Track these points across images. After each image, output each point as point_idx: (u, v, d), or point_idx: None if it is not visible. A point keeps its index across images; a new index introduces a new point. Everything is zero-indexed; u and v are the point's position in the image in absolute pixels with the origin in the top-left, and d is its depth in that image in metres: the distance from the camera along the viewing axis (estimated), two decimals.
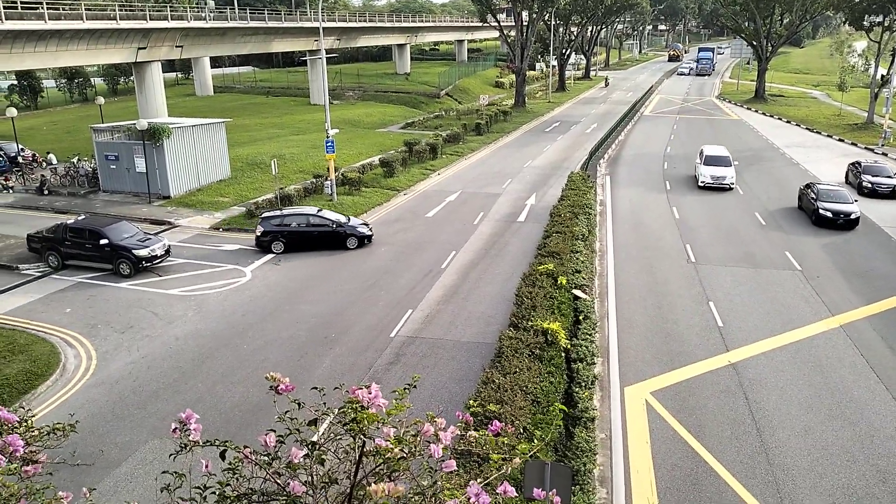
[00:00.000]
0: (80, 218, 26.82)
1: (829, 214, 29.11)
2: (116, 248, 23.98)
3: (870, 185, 34.78)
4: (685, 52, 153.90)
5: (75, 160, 38.06)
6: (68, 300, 22.28)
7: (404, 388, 3.52)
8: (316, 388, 3.56)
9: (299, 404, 3.44)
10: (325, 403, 3.42)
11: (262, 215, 27.41)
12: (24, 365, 17.56)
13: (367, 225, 28.44)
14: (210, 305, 21.65)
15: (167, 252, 25.00)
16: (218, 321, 20.47)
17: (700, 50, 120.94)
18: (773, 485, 12.85)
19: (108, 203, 33.60)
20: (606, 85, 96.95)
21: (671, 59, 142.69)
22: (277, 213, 27.52)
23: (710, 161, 37.01)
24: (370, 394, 3.29)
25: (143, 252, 23.98)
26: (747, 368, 17.19)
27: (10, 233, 28.69)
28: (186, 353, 18.40)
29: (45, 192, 35.25)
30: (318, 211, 28.20)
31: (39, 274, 24.55)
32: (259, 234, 26.49)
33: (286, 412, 3.39)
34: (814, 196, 30.33)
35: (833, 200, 29.70)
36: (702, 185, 36.09)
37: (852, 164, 37.95)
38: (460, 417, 3.70)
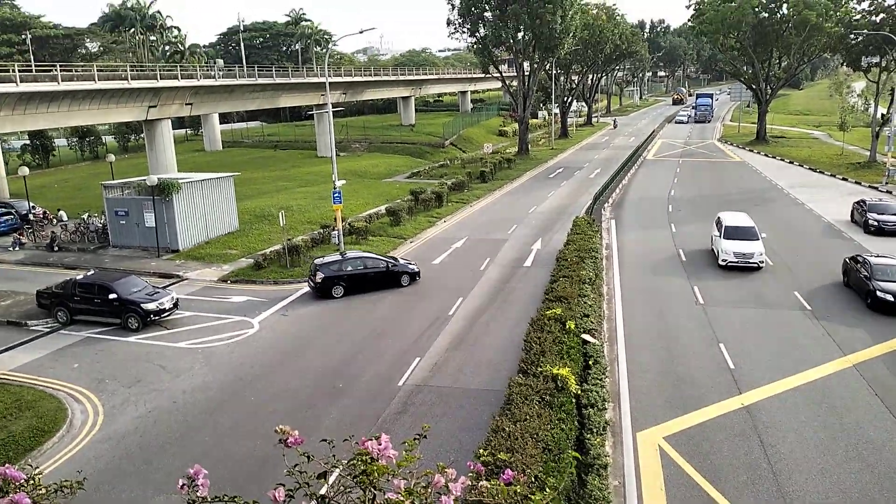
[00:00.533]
0: (89, 273, 27.03)
1: (890, 298, 23.17)
2: (125, 303, 24.09)
3: (876, 224, 34.66)
4: (689, 96, 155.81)
5: (85, 216, 38.55)
6: (76, 355, 22.28)
7: (414, 439, 3.51)
8: (325, 440, 3.56)
9: (308, 457, 3.43)
10: (334, 455, 3.41)
11: (318, 262, 27.64)
12: (30, 421, 17.49)
13: (413, 263, 29.19)
14: (218, 358, 21.61)
15: (175, 305, 25.09)
16: (226, 373, 20.39)
17: (698, 96, 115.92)
18: None
19: (118, 258, 33.88)
20: (615, 127, 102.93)
21: (675, 102, 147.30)
22: (334, 258, 28.13)
23: (732, 234, 29.69)
24: (380, 445, 3.29)
25: (151, 306, 24.08)
26: (761, 411, 16.94)
27: (19, 289, 28.90)
28: (194, 407, 18.29)
29: (56, 248, 35.61)
30: (369, 253, 29.21)
31: (48, 330, 24.63)
32: (319, 280, 26.67)
33: (295, 465, 3.38)
34: (867, 274, 24.43)
35: (893, 279, 23.81)
36: (723, 263, 28.97)
37: (857, 202, 37.79)
38: (471, 467, 3.67)
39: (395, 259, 29.28)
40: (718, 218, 32.06)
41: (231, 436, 16.67)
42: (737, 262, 28.73)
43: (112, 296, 24.12)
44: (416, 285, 28.38)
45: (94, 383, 20.00)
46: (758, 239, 29.42)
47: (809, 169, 58.68)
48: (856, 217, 37.12)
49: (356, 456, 3.31)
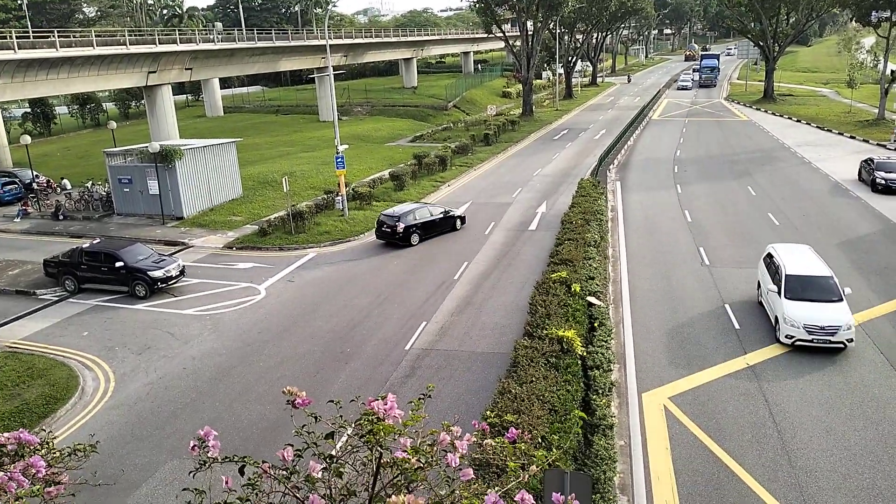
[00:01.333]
0: (95, 242, 27.10)
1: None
2: (132, 271, 24.20)
3: (883, 182, 34.45)
4: (704, 50, 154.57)
5: (89, 185, 38.51)
6: (85, 323, 22.48)
7: (419, 399, 3.54)
8: (332, 401, 3.59)
9: (316, 418, 3.47)
10: (341, 416, 3.45)
11: (386, 213, 29.91)
12: (43, 389, 17.73)
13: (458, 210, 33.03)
14: (225, 324, 21.77)
15: (182, 272, 25.20)
16: (234, 339, 20.57)
17: (702, 57, 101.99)
18: (796, 487, 12.70)
19: (123, 226, 33.94)
20: (629, 81, 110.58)
21: (688, 59, 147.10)
22: (401, 209, 30.14)
23: (798, 289, 18.67)
24: (386, 405, 3.32)
25: (158, 273, 24.19)
26: (766, 370, 17.03)
27: (26, 258, 29.05)
28: (203, 373, 18.50)
29: (61, 217, 35.67)
30: (429, 204, 32.39)
31: (56, 298, 24.81)
32: (402, 230, 28.80)
33: (303, 426, 3.42)
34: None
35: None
36: (788, 341, 17.99)
37: (865, 160, 37.48)
38: (476, 426, 3.71)
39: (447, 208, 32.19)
40: (770, 256, 20.88)
41: (241, 401, 16.88)
42: (811, 341, 17.58)
43: (119, 264, 24.22)
44: (422, 247, 28.41)
45: (105, 351, 20.22)
46: (841, 298, 18.41)
47: (817, 127, 58.01)
48: (863, 176, 36.84)
49: (363, 416, 3.34)
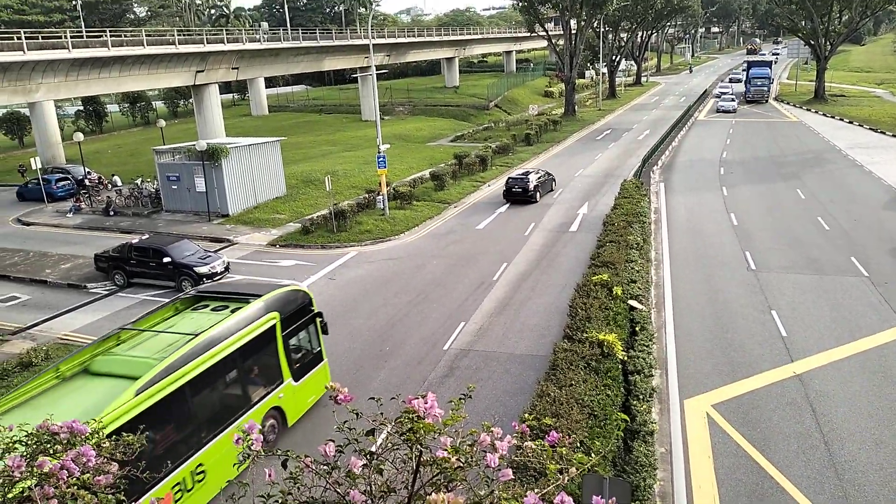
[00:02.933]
0: (143, 237, 27.82)
1: None
2: (178, 266, 24.78)
3: None
4: (776, 44, 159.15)
5: (139, 181, 39.55)
6: (134, 317, 23.03)
7: (460, 398, 3.54)
8: (373, 398, 3.62)
9: (357, 414, 3.50)
10: (382, 413, 3.47)
11: (519, 177, 36.70)
12: None
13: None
14: None
15: (226, 269, 25.71)
16: None
17: (751, 65, 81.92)
18: (843, 500, 12.33)
19: (171, 222, 34.76)
20: (691, 72, 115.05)
21: (749, 52, 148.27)
22: (523, 172, 37.93)
23: None
24: (426, 403, 3.33)
25: (203, 269, 24.72)
26: (813, 379, 16.58)
27: (78, 253, 29.97)
28: None
29: (111, 213, 36.69)
30: (533, 171, 38.34)
31: (106, 292, 25.53)
32: (531, 188, 35.71)
33: (345, 422, 3.46)
34: None
35: None
36: None
37: None
38: (515, 428, 3.69)
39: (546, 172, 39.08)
40: None
41: None
42: None
43: (166, 259, 24.83)
44: (461, 249, 28.45)
45: None
46: None
47: (870, 129, 56.20)
48: None
49: (403, 414, 3.36)
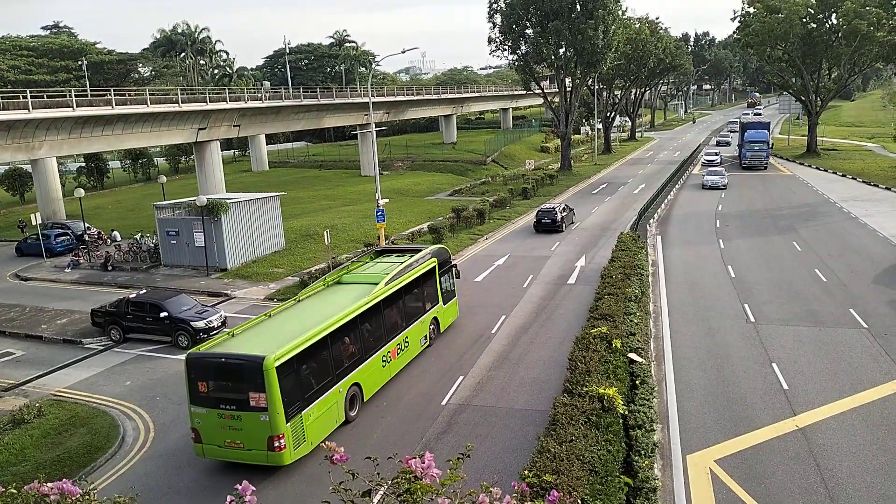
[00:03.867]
0: (141, 292, 27.79)
1: None
2: (175, 321, 24.67)
3: None
4: (760, 102, 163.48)
5: (138, 236, 39.72)
6: (128, 373, 22.85)
7: (458, 458, 3.50)
8: (370, 457, 3.57)
9: (353, 474, 3.45)
10: (378, 473, 3.42)
11: (548, 209, 43.01)
12: (85, 438, 17.96)
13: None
14: None
15: (223, 323, 25.58)
16: None
17: (746, 127, 71.84)
18: None
19: (169, 277, 34.75)
20: (693, 122, 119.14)
21: (751, 105, 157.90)
22: (551, 206, 44.83)
23: None
24: (424, 464, 3.28)
25: (200, 324, 24.61)
26: (816, 433, 16.35)
27: (75, 308, 29.87)
28: None
29: (110, 267, 36.72)
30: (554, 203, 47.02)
31: (102, 347, 25.35)
32: (559, 220, 41.85)
33: (340, 483, 3.40)
34: None
35: None
36: None
37: None
38: (515, 487, 3.64)
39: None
40: None
41: None
42: None
43: (163, 314, 24.73)
44: (459, 301, 28.42)
45: (146, 400, 20.47)
46: None
47: (863, 182, 56.92)
48: None
49: (400, 474, 3.31)
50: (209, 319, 25.00)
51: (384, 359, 20.03)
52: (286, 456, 15.35)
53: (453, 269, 25.80)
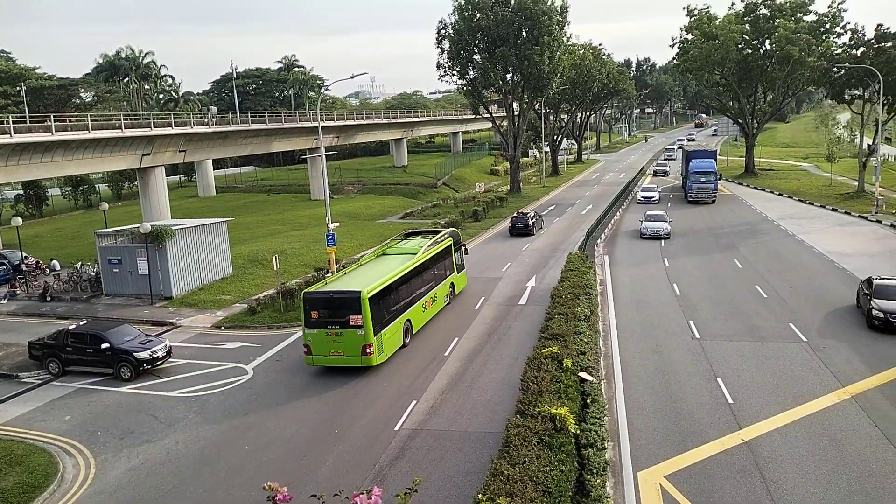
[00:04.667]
0: (81, 323, 26.85)
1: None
2: (117, 352, 23.86)
3: (882, 316, 24.32)
4: (707, 124, 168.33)
5: (78, 265, 38.45)
6: (68, 407, 21.98)
7: (406, 493, 3.47)
8: (315, 495, 3.51)
9: None
10: None
11: (521, 215, 49.26)
12: (20, 477, 17.15)
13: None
14: (212, 406, 21.34)
15: (168, 353, 24.86)
16: (220, 422, 20.12)
17: (691, 156, 64.32)
18: None
19: (111, 306, 33.69)
20: (646, 141, 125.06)
21: (697, 126, 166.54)
22: (526, 213, 50.25)
23: None
24: (370, 500, 3.24)
25: (144, 354, 23.86)
26: (761, 446, 16.76)
27: (11, 340, 28.63)
28: (187, 457, 18.00)
29: (48, 298, 35.41)
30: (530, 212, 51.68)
31: (40, 381, 24.34)
32: (531, 224, 48.31)
33: None
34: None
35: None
36: None
37: (865, 282, 27.03)
38: None
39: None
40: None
41: (225, 486, 16.36)
42: None
43: (104, 345, 23.89)
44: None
45: (86, 435, 19.70)
46: None
47: (799, 200, 59.21)
48: (861, 302, 26.85)
49: None
50: (153, 349, 24.25)
51: (423, 306, 27.44)
52: (374, 359, 22.66)
53: (463, 248, 33.89)
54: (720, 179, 64.05)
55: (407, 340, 25.43)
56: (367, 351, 22.44)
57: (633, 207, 59.76)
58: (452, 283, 31.35)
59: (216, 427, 19.74)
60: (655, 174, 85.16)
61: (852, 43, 61.14)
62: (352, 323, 22.41)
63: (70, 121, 45.89)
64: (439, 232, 32.53)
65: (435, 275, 29.18)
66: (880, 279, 26.44)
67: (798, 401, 19.20)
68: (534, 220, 49.00)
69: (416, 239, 31.55)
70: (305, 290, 23.92)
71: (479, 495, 12.10)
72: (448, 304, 30.53)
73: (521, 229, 47.70)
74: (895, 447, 16.38)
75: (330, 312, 22.89)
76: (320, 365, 23.17)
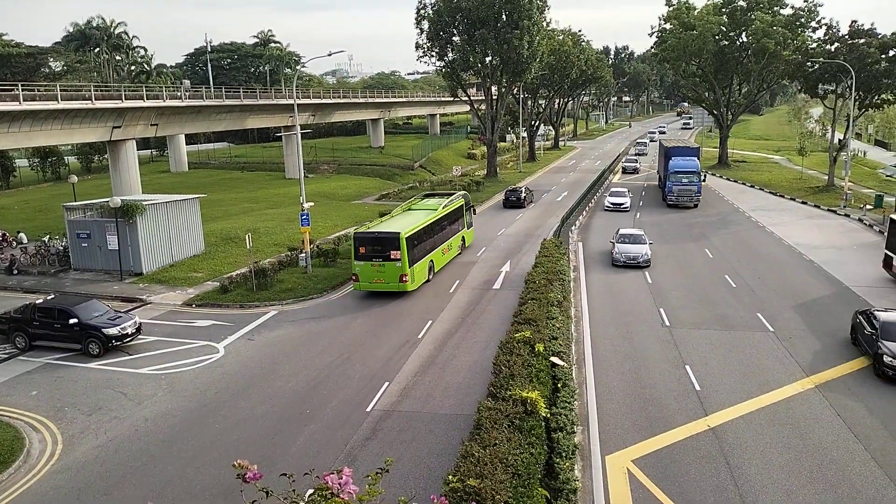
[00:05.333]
0: (49, 297, 26.37)
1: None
2: (86, 328, 23.51)
3: (894, 365, 19.79)
4: (689, 112, 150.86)
5: (46, 239, 37.69)
6: (35, 382, 21.64)
7: (377, 473, 3.47)
8: (285, 474, 3.49)
9: (267, 493, 3.37)
10: (294, 490, 3.35)
11: (515, 189, 56.01)
12: None
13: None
14: (181, 384, 21.17)
15: (138, 330, 24.56)
16: (189, 400, 19.98)
17: (670, 152, 55.92)
18: None
19: (79, 281, 33.13)
20: (630, 126, 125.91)
21: (679, 115, 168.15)
22: (519, 187, 57.65)
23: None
24: (341, 479, 3.24)
25: (112, 331, 23.53)
26: (727, 432, 17.12)
27: None
28: (156, 435, 17.85)
29: (15, 271, 34.70)
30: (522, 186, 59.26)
31: (6, 356, 23.91)
32: (523, 197, 54.67)
33: (253, 502, 3.32)
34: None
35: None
36: None
37: (862, 314, 22.77)
38: (434, 501, 3.63)
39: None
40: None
41: (194, 465, 16.28)
42: None
43: (72, 321, 23.52)
44: (386, 307, 28.29)
45: (53, 411, 19.43)
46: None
47: (770, 192, 60.08)
48: (858, 337, 22.47)
49: (316, 491, 3.26)
50: (122, 326, 23.92)
51: (442, 251, 34.24)
52: (408, 286, 29.35)
53: (472, 208, 40.72)
54: (704, 180, 54.87)
55: (430, 276, 32.15)
56: (403, 279, 29.08)
57: (608, 195, 59.96)
58: (463, 237, 38.40)
59: (186, 405, 19.60)
60: (625, 171, 76.40)
61: (827, 38, 61.87)
62: (392, 256, 28.95)
63: (39, 90, 44.74)
64: (454, 194, 39.16)
65: (451, 228, 35.74)
66: (886, 312, 21.94)
67: (763, 389, 19.62)
68: (525, 194, 54.77)
69: (434, 199, 37.82)
70: (356, 231, 31.16)
71: (450, 476, 12.19)
72: (460, 253, 37.32)
73: (513, 202, 53.69)
74: (855, 436, 16.85)
75: (374, 248, 29.25)
76: (365, 290, 29.80)
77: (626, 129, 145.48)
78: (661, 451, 16.31)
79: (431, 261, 32.29)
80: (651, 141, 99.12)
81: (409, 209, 35.29)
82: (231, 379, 21.42)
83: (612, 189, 56.62)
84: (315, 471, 3.42)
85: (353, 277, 29.47)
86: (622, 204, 52.07)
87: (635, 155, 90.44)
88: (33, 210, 55.94)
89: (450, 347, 23.60)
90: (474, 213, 41.27)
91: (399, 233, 28.95)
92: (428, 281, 31.59)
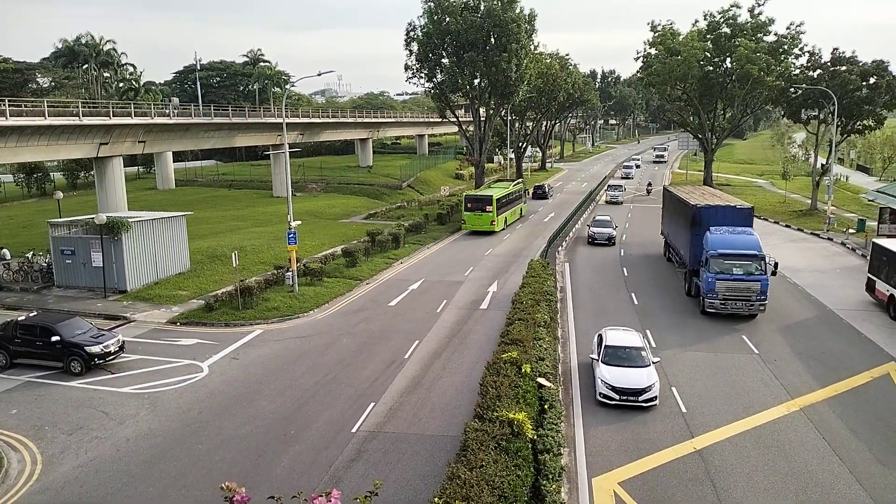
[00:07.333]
0: (31, 314, 26.04)
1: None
2: (68, 346, 23.20)
3: None
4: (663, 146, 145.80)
5: (30, 255, 37.28)
6: (15, 401, 21.29)
7: (365, 496, 3.45)
8: (273, 497, 3.46)
9: None
10: None
11: (537, 185, 76.99)
12: None
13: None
14: (164, 403, 20.91)
15: (121, 348, 24.27)
16: (172, 420, 19.72)
17: (704, 218, 33.11)
18: None
19: (62, 299, 32.77)
20: (638, 142, 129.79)
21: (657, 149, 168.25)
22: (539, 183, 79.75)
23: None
24: (329, 502, 3.21)
25: (95, 349, 23.24)
26: (713, 455, 17.13)
27: None
28: (137, 455, 17.58)
29: None
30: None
31: None
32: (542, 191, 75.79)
33: None
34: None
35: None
36: None
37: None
38: None
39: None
40: None
41: (176, 486, 16.03)
42: None
43: (55, 338, 23.21)
44: (371, 326, 28.17)
45: (33, 430, 19.11)
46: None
47: (754, 216, 60.49)
48: None
49: None
50: (106, 344, 23.64)
51: (512, 213, 55.45)
52: (497, 227, 50.91)
53: (526, 191, 63.77)
54: (775, 272, 30.26)
55: (505, 226, 52.99)
56: (492, 223, 50.09)
57: (595, 216, 60.08)
58: (521, 208, 59.80)
59: (169, 425, 19.34)
60: (609, 202, 69.20)
61: (810, 65, 62.98)
62: (487, 209, 50.01)
63: (25, 106, 44.54)
64: (515, 181, 61.23)
65: (515, 199, 56.57)
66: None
67: (749, 411, 19.67)
68: (550, 189, 76.75)
69: (503, 182, 61.77)
70: (466, 193, 54.29)
71: (436, 499, 12.09)
72: (519, 217, 58.04)
73: (541, 195, 73.06)
74: (840, 458, 16.91)
75: (476, 204, 50.50)
76: (470, 229, 50.94)
77: (635, 144, 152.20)
78: (647, 473, 16.28)
79: (506, 217, 52.91)
80: (628, 175, 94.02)
81: (489, 186, 58.39)
82: (215, 398, 21.19)
83: (594, 228, 47.46)
84: (303, 493, 3.39)
85: (463, 222, 51.23)
86: (607, 235, 46.14)
87: (622, 178, 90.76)
88: (17, 226, 55.36)
89: (436, 368, 23.51)
90: (528, 194, 66.55)
91: (492, 195, 50.48)
92: (503, 229, 52.05)
